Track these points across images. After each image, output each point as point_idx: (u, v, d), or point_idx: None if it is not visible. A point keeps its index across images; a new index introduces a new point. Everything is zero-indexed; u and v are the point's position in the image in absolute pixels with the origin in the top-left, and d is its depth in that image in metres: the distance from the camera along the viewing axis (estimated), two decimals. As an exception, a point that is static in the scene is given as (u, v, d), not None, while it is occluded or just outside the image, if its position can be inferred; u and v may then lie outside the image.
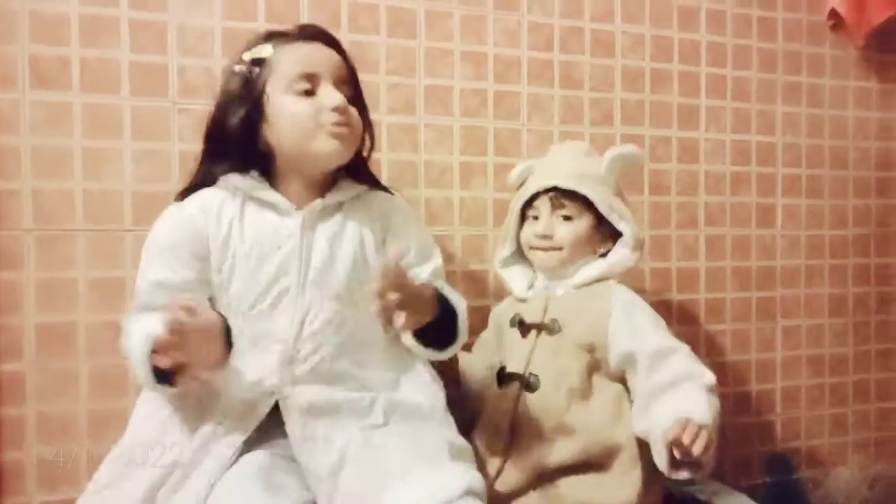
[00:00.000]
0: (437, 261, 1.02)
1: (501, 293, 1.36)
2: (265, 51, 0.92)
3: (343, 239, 0.94)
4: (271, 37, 0.94)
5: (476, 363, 1.17)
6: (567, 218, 1.10)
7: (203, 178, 0.95)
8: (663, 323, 1.07)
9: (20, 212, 1.09)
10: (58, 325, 1.11)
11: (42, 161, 1.10)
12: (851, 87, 1.65)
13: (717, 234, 1.53)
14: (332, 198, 0.96)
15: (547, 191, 1.11)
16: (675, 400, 0.94)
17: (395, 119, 1.29)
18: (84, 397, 1.12)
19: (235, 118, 0.91)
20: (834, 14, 1.59)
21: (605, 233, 1.12)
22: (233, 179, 0.93)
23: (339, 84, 0.92)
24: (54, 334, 1.11)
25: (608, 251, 1.13)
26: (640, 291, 1.14)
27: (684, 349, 1.02)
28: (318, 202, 0.94)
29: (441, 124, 1.33)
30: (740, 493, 1.21)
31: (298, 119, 0.89)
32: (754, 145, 1.56)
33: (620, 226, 1.10)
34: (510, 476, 1.01)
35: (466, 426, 1.04)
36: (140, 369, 0.79)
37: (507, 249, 1.19)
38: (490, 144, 1.36)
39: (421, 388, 0.95)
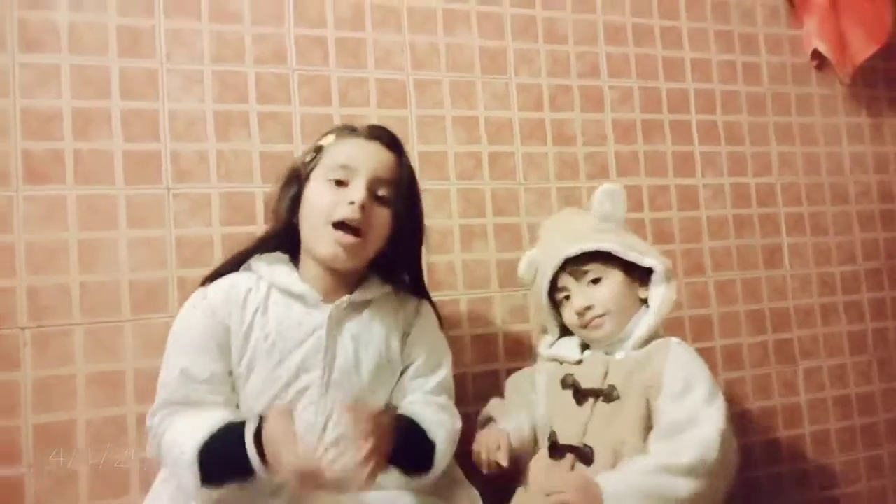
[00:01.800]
0: (443, 373, 0.98)
1: (512, 354, 1.33)
2: (327, 140, 0.94)
3: (369, 340, 0.93)
4: (340, 130, 0.96)
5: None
6: (596, 281, 1.06)
7: (234, 262, 0.96)
8: (716, 391, 0.99)
9: (15, 310, 1.07)
10: (56, 425, 1.07)
11: (37, 256, 1.09)
12: (843, 123, 1.65)
13: (726, 278, 1.50)
14: (361, 295, 0.94)
15: (562, 268, 1.08)
16: (630, 471, 0.91)
17: (391, 188, 1.29)
18: (84, 499, 1.07)
19: (286, 199, 0.94)
20: (817, 55, 1.61)
21: (640, 278, 1.08)
22: (260, 266, 0.93)
23: (377, 182, 0.91)
24: (53, 434, 1.06)
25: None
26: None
27: (706, 430, 0.93)
28: (346, 299, 0.92)
29: (438, 189, 1.32)
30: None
31: (317, 203, 0.90)
32: (753, 187, 1.55)
33: (646, 261, 1.06)
34: None
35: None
36: (187, 470, 0.79)
37: (552, 337, 1.15)
38: (488, 205, 1.35)
39: (443, 487, 0.91)
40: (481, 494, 0.99)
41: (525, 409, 1.11)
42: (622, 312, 1.06)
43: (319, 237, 0.89)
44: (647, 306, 1.08)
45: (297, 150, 1.24)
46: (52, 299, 1.09)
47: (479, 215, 1.34)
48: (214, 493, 0.80)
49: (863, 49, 1.59)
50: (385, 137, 0.95)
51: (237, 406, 0.90)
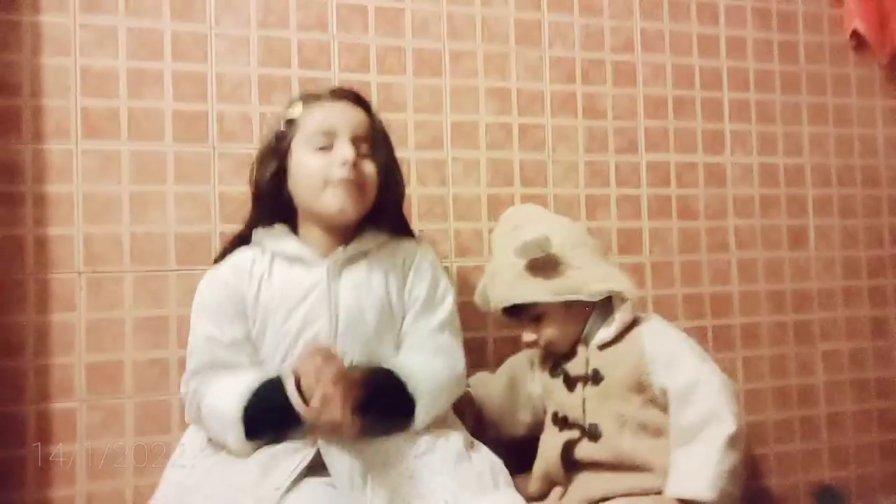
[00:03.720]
0: (445, 310, 1.02)
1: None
2: (296, 111, 0.99)
3: (370, 287, 0.97)
4: (304, 98, 1.01)
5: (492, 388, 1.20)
6: (536, 319, 1.10)
7: (238, 240, 1.02)
8: (697, 347, 1.07)
9: (73, 256, 1.15)
10: (106, 364, 1.15)
11: (92, 207, 1.16)
12: (879, 105, 1.64)
13: (748, 257, 1.52)
14: (356, 248, 0.99)
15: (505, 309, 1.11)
16: (688, 462, 0.95)
17: (423, 155, 1.33)
18: (130, 433, 1.16)
19: (267, 173, 0.98)
20: (856, 35, 1.59)
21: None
22: (261, 236, 0.99)
23: (358, 140, 0.96)
24: (103, 373, 1.15)
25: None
26: (672, 318, 1.12)
27: (713, 382, 1.00)
28: (341, 251, 0.97)
29: (468, 158, 1.36)
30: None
31: (309, 172, 0.95)
32: (782, 167, 1.56)
33: (581, 296, 1.06)
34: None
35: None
36: (232, 430, 0.85)
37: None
38: (516, 176, 1.39)
39: (453, 424, 0.96)
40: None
41: (506, 386, 1.18)
42: (569, 332, 1.11)
43: (321, 193, 0.94)
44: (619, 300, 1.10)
45: (335, 115, 1.29)
46: (105, 247, 1.17)
47: (507, 185, 1.38)
48: (251, 448, 0.85)
49: (903, 30, 1.56)
50: (351, 96, 1.00)
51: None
